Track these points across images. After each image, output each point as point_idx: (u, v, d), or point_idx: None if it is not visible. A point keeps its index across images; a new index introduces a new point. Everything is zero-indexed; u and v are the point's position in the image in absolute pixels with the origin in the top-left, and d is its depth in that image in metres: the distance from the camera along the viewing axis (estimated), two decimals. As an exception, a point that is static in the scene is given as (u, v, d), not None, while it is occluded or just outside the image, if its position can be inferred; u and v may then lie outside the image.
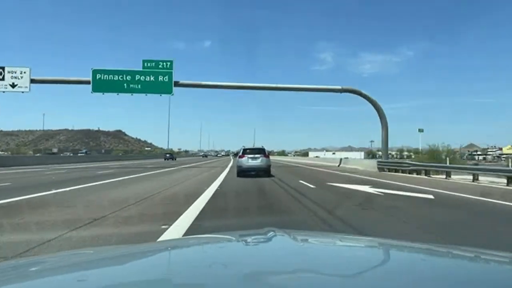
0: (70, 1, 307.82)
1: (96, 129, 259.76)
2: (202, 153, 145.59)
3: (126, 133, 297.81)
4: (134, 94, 27.67)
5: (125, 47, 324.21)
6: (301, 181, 14.94)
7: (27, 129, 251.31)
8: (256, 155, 17.22)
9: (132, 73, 27.45)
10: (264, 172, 16.96)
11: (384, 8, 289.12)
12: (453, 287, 0.95)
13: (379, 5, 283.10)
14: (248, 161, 17.03)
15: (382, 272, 1.08)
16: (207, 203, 8.18)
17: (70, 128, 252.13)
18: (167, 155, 70.03)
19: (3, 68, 26.90)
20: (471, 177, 15.21)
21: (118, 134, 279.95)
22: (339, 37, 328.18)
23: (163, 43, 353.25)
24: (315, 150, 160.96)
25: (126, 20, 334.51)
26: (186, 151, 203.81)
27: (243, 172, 16.85)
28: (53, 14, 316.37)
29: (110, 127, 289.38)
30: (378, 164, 23.98)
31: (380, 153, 38.11)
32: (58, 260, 1.31)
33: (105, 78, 26.99)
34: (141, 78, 27.29)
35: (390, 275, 1.03)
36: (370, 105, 28.66)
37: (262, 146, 18.78)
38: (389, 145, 30.27)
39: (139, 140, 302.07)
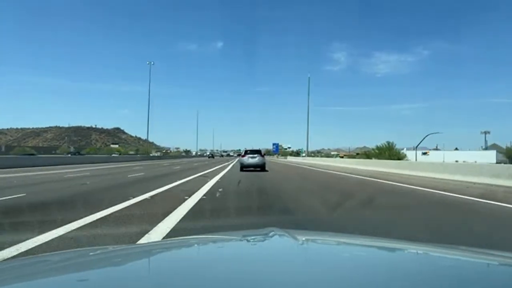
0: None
1: (88, 126, 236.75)
2: (209, 153, 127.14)
3: (125, 131, 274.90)
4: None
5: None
6: None
7: (19, 127, 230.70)
8: (254, 155, 22.64)
9: None
10: (260, 167, 22.21)
11: (399, 6, 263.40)
12: (454, 287, 0.95)
13: (393, 4, 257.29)
14: (248, 160, 22.38)
15: (382, 272, 1.06)
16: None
17: (60, 126, 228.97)
18: (209, 154, 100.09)
19: None
20: None
21: (115, 132, 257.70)
22: (353, 37, 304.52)
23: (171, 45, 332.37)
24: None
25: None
26: (187, 151, 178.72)
27: (244, 167, 22.10)
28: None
29: (110, 125, 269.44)
30: None
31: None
32: (58, 260, 1.29)
33: None
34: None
35: (390, 275, 1.02)
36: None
37: (259, 149, 25.06)
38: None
39: (139, 139, 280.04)
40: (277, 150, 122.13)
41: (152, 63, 65.00)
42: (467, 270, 1.15)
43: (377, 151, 48.70)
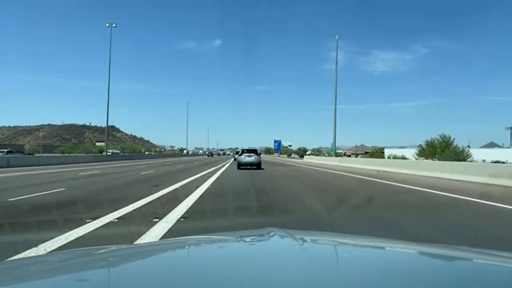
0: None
1: (82, 124, 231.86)
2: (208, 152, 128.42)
3: (121, 129, 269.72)
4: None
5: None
6: None
7: (12, 125, 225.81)
8: (251, 154, 23.70)
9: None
10: (256, 166, 23.11)
11: (396, 4, 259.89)
12: (453, 287, 0.95)
13: (390, 1, 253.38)
14: (245, 158, 23.46)
15: (382, 272, 1.06)
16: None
17: (53, 123, 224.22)
18: (208, 153, 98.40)
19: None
20: None
21: (109, 130, 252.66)
22: (351, 35, 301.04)
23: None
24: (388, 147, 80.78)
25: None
26: (183, 149, 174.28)
27: (241, 165, 23.10)
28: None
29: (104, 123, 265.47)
30: None
31: None
32: (58, 260, 1.29)
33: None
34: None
35: (390, 275, 1.02)
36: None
37: (255, 147, 26.27)
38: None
39: (135, 137, 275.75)
40: (279, 148, 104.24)
41: (114, 25, 46.44)
42: (467, 270, 1.15)
43: (425, 148, 32.29)
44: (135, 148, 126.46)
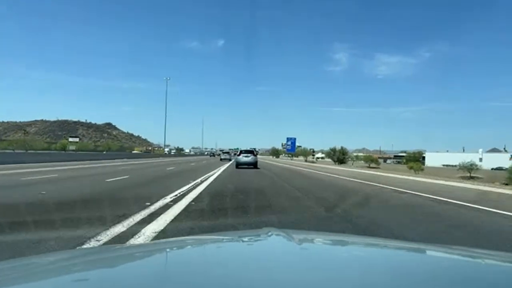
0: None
1: (75, 120, 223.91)
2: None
3: (117, 126, 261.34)
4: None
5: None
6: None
7: (5, 120, 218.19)
8: (248, 154, 26.08)
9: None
10: (253, 165, 25.29)
11: (400, 7, 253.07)
12: (453, 287, 0.95)
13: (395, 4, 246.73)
14: (243, 158, 25.78)
15: (380, 272, 1.06)
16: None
17: (46, 119, 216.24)
18: (210, 153, 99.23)
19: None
20: None
21: (105, 128, 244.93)
22: (354, 38, 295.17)
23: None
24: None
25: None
26: (180, 149, 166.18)
27: (239, 164, 25.36)
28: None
29: (105, 120, 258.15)
30: None
31: None
32: (58, 260, 1.30)
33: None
34: None
35: (389, 275, 1.02)
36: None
37: (253, 148, 30.66)
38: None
39: (131, 135, 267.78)
40: (294, 148, 76.96)
41: None
42: (466, 270, 1.15)
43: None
44: (110, 146, 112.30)
